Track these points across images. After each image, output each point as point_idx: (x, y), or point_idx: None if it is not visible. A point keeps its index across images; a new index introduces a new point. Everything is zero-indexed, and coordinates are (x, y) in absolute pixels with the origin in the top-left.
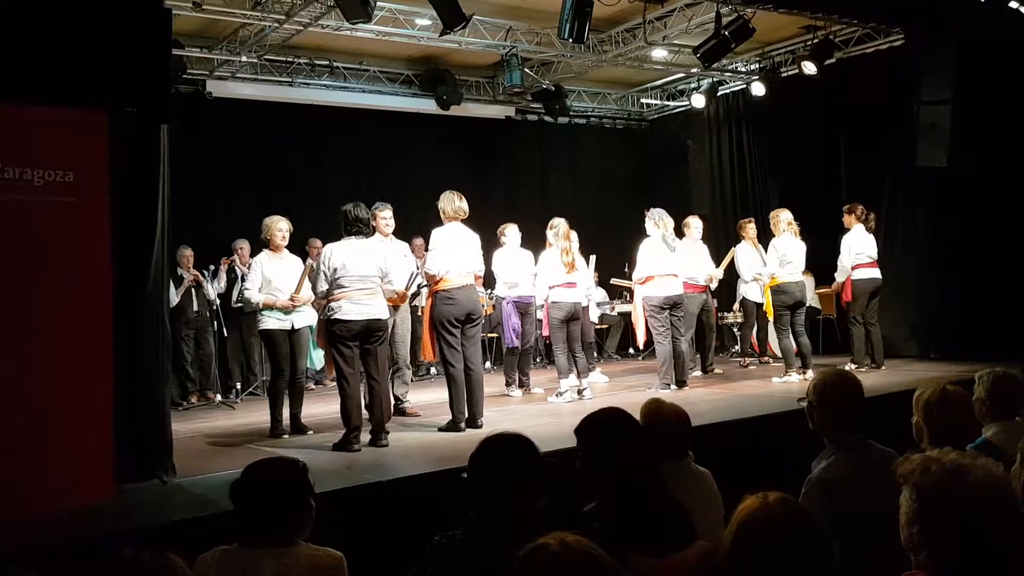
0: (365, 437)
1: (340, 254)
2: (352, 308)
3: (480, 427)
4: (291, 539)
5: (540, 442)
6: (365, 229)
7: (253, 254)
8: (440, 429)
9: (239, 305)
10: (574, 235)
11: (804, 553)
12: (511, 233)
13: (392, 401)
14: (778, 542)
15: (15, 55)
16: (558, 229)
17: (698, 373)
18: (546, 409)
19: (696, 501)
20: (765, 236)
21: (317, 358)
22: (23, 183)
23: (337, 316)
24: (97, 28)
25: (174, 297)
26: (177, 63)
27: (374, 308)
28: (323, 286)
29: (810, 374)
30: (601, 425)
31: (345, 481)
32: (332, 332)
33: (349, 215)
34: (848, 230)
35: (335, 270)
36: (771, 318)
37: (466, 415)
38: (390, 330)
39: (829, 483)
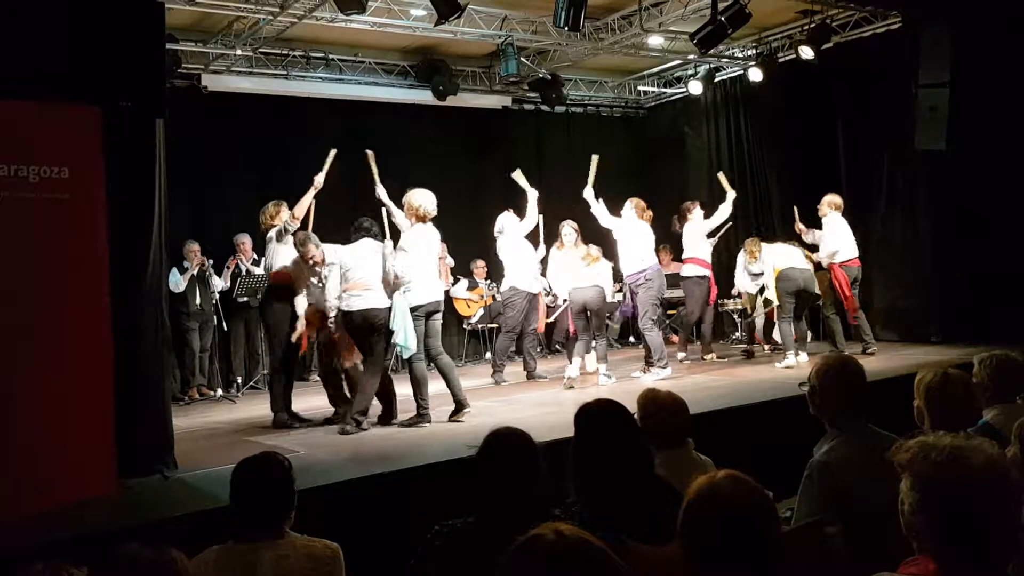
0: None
1: (344, 255)
2: (352, 300)
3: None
4: (283, 531)
5: (541, 431)
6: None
7: (255, 247)
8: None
9: (245, 300)
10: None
11: (747, 518)
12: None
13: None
14: (719, 511)
15: (7, 51)
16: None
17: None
18: (549, 398)
19: None
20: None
21: None
22: (19, 180)
23: (343, 309)
24: (90, 23)
25: (180, 283)
26: (172, 57)
27: (369, 300)
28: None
29: (802, 357)
30: (595, 416)
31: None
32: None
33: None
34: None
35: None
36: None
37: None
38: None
39: (830, 466)
